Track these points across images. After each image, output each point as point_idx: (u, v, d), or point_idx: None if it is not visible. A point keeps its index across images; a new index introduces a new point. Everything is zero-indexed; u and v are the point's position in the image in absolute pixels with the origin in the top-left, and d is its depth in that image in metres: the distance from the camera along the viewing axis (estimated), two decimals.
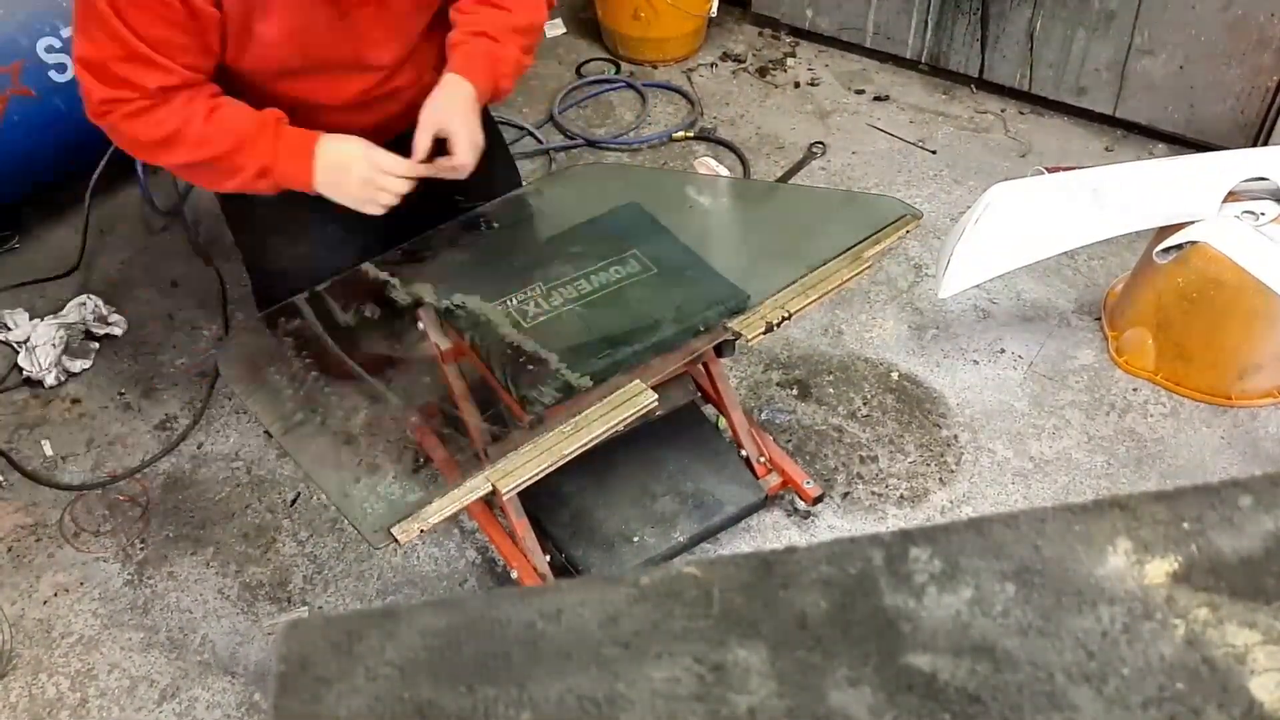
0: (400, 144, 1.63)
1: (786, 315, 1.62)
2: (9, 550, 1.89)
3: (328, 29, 1.57)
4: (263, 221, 1.81)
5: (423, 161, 1.61)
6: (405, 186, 1.60)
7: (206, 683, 1.70)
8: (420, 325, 1.68)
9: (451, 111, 1.62)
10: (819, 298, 1.65)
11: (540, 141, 2.85)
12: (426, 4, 1.68)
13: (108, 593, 1.82)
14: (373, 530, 1.37)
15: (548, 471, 1.45)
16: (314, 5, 1.54)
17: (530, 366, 1.54)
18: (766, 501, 1.88)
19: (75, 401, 2.16)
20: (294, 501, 1.97)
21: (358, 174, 1.57)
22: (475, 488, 1.41)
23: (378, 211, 1.60)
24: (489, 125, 2.12)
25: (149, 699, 1.68)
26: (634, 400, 1.50)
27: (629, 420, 1.50)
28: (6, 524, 1.93)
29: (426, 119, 1.61)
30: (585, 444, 1.46)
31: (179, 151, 1.55)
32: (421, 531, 1.35)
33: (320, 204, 1.66)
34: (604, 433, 1.48)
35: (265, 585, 1.83)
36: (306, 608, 1.80)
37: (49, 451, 2.05)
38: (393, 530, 1.34)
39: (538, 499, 1.72)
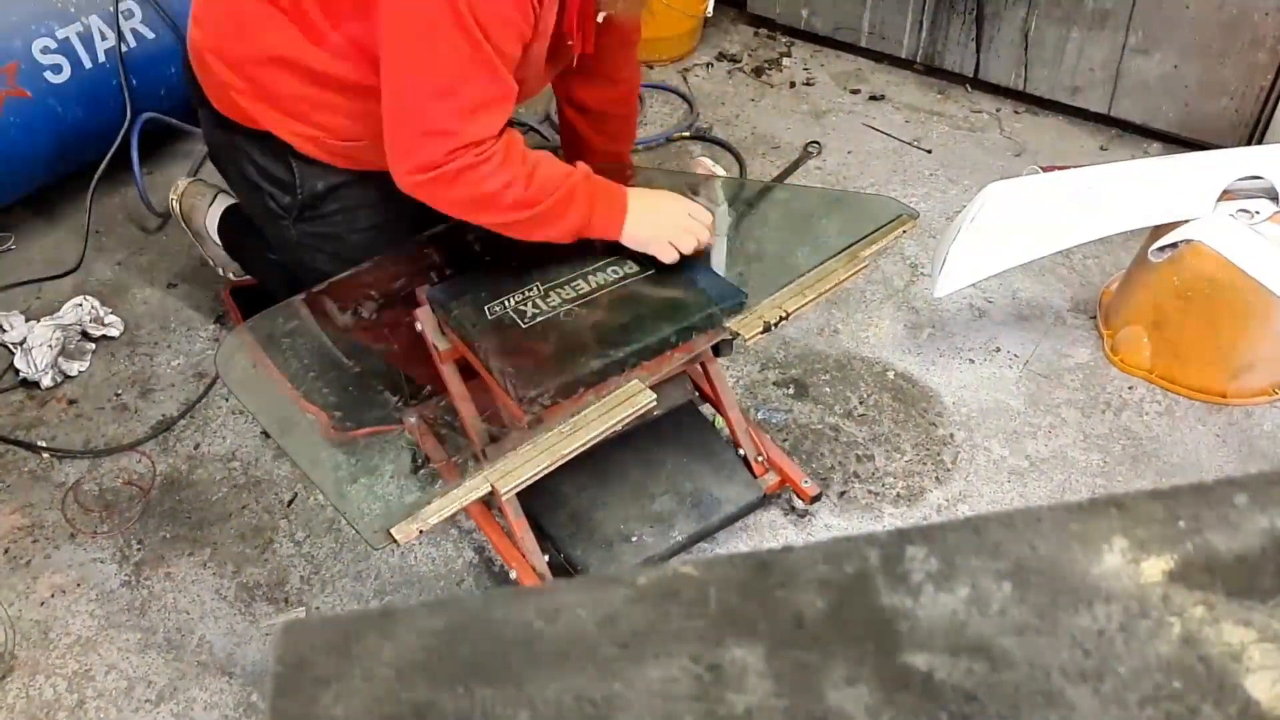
0: None
1: (784, 315, 1.62)
2: (5, 552, 1.88)
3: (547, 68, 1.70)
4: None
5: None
6: (710, 226, 1.70)
7: (204, 683, 1.69)
8: (418, 326, 1.68)
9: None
10: (816, 298, 1.66)
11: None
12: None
13: (105, 594, 1.82)
14: (372, 532, 1.37)
15: (546, 471, 1.45)
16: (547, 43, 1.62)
17: (528, 367, 1.54)
18: (765, 500, 1.88)
19: (71, 403, 2.16)
20: (291, 502, 1.96)
21: (673, 216, 1.67)
22: (474, 488, 1.41)
23: (691, 248, 1.66)
24: None
25: (146, 700, 1.68)
26: (633, 400, 1.50)
27: (628, 420, 1.50)
28: (3, 525, 1.92)
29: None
30: (584, 444, 1.46)
31: (494, 212, 1.58)
32: (420, 532, 1.35)
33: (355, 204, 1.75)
34: (603, 432, 1.48)
35: (262, 586, 1.83)
36: (304, 608, 1.80)
37: (44, 454, 2.05)
38: (392, 531, 1.34)
39: (536, 499, 1.72)
